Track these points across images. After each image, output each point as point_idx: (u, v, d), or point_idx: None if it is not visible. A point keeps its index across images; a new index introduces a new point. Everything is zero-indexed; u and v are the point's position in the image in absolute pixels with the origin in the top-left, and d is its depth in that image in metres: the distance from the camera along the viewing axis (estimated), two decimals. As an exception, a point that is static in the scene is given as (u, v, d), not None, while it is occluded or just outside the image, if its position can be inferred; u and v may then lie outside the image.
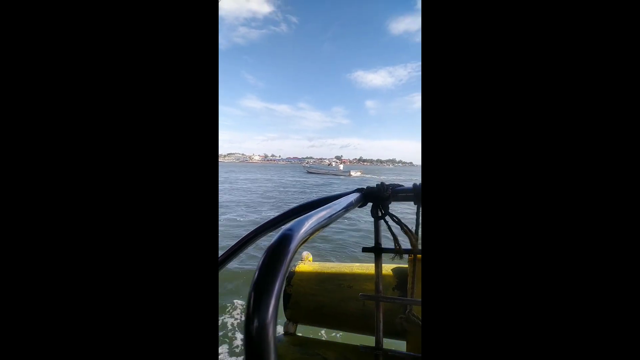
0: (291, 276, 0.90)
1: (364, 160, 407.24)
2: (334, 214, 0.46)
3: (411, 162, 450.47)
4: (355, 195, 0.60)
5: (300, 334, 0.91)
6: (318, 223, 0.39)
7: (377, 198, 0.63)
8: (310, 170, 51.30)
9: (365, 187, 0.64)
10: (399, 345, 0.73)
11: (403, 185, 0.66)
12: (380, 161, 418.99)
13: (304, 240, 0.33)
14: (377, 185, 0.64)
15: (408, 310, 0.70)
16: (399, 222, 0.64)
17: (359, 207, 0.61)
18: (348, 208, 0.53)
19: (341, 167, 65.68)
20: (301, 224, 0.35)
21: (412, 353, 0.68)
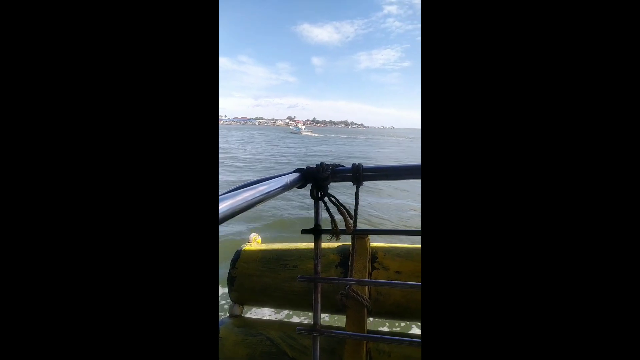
0: (235, 258, 0.91)
1: (317, 122, 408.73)
2: (270, 191, 0.45)
3: (362, 124, 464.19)
4: (294, 175, 0.58)
5: (248, 316, 0.93)
6: (247, 201, 0.37)
7: (316, 179, 0.62)
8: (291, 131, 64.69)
9: (305, 167, 0.63)
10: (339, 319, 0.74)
11: (343, 165, 0.66)
12: (332, 122, 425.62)
13: (232, 215, 0.32)
14: (316, 165, 0.63)
15: (348, 287, 0.74)
16: (336, 203, 0.65)
17: (298, 187, 0.60)
18: (285, 187, 0.51)
19: (302, 128, 78.93)
20: (230, 198, 0.34)
21: (345, 332, 0.70)
